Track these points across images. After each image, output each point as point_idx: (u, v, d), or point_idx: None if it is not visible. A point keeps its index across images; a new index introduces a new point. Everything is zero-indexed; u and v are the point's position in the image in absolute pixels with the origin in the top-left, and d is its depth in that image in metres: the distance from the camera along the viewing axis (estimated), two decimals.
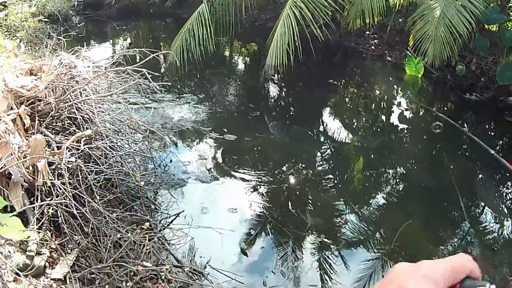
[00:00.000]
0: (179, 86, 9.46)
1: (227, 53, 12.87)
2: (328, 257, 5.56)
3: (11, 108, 5.05)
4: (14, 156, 4.25)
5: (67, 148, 4.71)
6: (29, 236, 4.00)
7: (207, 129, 8.07)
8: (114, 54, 6.73)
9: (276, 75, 10.11)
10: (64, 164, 4.54)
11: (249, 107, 9.55)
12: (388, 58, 12.65)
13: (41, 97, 5.35)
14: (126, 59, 6.58)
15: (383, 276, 5.16)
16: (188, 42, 9.45)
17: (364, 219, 6.39)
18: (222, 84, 10.39)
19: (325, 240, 5.85)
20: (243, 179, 6.92)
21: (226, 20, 10.46)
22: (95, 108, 5.39)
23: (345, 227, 6.20)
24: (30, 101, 5.30)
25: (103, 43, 11.57)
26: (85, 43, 6.92)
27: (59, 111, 5.39)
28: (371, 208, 6.76)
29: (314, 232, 5.96)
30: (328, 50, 11.74)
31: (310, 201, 6.71)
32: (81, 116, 5.43)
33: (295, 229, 5.98)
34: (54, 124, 5.43)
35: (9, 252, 3.78)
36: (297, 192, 6.89)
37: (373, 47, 13.16)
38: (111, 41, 12.18)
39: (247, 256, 5.52)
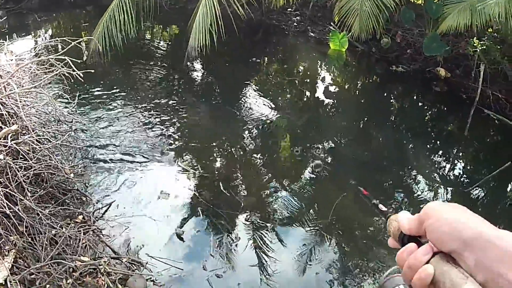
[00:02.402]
0: (102, 74, 9.20)
1: (148, 37, 12.64)
2: (264, 235, 5.69)
3: None
4: None
5: None
6: None
7: (132, 117, 7.98)
8: (36, 45, 6.48)
9: (199, 57, 10.05)
10: None
11: (173, 90, 9.48)
12: (311, 33, 12.77)
13: None
14: (48, 50, 6.37)
15: (323, 250, 5.32)
16: (110, 28, 9.22)
17: (297, 195, 6.53)
18: (145, 69, 10.21)
19: (260, 219, 5.96)
20: (172, 164, 6.91)
21: (146, 5, 10.28)
22: (20, 102, 5.20)
23: (278, 204, 6.32)
24: None
25: (25, 36, 11.00)
26: (7, 37, 6.64)
27: None
28: (304, 184, 6.90)
29: (248, 212, 6.05)
30: (251, 28, 11.72)
31: (241, 181, 6.78)
32: (6, 111, 5.23)
33: (229, 210, 6.07)
34: None
35: None
36: (228, 173, 6.93)
37: (295, 24, 13.22)
38: (33, 33, 11.65)
39: (183, 241, 5.54)
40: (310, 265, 5.36)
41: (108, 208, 5.86)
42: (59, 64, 5.60)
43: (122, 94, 8.82)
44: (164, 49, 12.07)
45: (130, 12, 9.29)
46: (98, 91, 8.66)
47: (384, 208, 1.14)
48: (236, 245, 5.54)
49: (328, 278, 5.22)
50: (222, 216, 5.93)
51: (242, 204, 6.20)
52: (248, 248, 5.51)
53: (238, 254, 5.43)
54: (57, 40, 5.79)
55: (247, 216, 6.00)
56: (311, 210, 6.36)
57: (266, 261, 5.32)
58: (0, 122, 5.12)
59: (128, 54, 10.53)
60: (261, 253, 5.44)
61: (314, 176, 7.02)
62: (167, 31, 13.42)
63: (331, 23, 12.05)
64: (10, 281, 3.91)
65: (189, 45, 9.28)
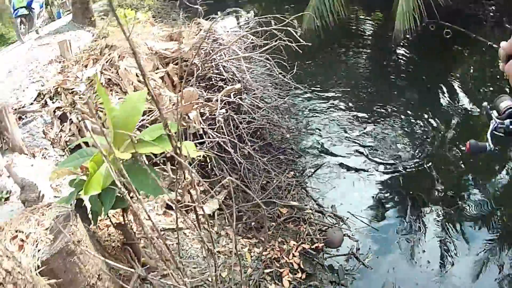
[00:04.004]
0: (315, 51, 9.64)
1: (354, 19, 13.11)
2: (455, 221, 5.52)
3: (157, 68, 5.63)
4: (166, 106, 4.81)
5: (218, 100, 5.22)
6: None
7: (342, 96, 8.40)
8: (248, 21, 7.05)
9: (405, 40, 10.07)
10: (217, 113, 5.03)
11: (381, 74, 9.71)
12: (507, 25, 11.81)
13: (186, 58, 5.91)
14: (260, 26, 6.80)
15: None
16: (320, 9, 9.86)
17: (493, 196, 6.01)
18: (353, 49, 10.76)
19: (454, 202, 5.79)
20: (382, 142, 7.08)
21: None
22: (244, 65, 5.83)
23: (473, 201, 5.90)
24: (175, 63, 5.92)
25: (227, 15, 11.83)
26: (218, 13, 7.37)
27: (204, 71, 5.94)
28: (499, 187, 6.32)
29: (444, 195, 5.96)
30: (449, 15, 11.15)
31: (443, 166, 6.63)
32: (227, 74, 5.90)
33: (427, 186, 6.14)
34: (198, 84, 5.92)
35: None
36: (429, 156, 6.75)
37: (491, 14, 12.40)
38: (234, 14, 12.47)
39: (383, 206, 5.77)
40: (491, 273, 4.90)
41: (319, 168, 6.39)
42: (276, 37, 5.97)
43: (333, 71, 9.37)
44: (371, 31, 12.44)
45: None
46: (311, 65, 9.35)
47: (495, 45, 1.50)
48: (429, 218, 5.55)
49: None
50: (420, 192, 5.96)
51: (442, 187, 6.13)
52: (439, 225, 5.47)
53: (430, 225, 5.44)
54: (269, 16, 6.24)
55: (444, 199, 5.89)
56: (503, 216, 5.78)
57: (454, 239, 5.22)
58: (222, 82, 5.81)
59: (338, 33, 11.04)
60: (449, 236, 5.28)
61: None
62: (371, 14, 13.56)
63: None
64: (218, 214, 4.48)
65: (395, 27, 9.43)
